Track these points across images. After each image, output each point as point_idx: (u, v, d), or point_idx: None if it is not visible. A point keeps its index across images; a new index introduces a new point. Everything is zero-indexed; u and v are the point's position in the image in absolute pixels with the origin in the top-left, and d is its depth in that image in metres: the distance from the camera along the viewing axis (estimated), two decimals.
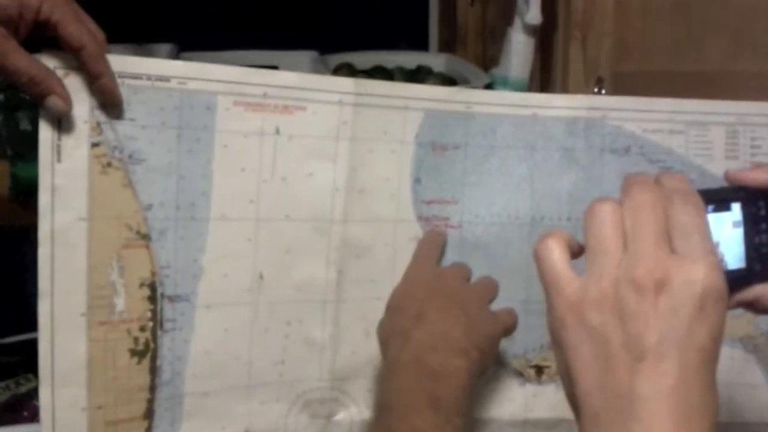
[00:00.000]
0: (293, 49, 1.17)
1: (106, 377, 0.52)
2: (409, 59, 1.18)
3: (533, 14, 0.86)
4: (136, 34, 1.06)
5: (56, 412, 0.50)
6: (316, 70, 1.14)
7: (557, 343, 0.35)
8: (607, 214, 0.35)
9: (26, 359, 0.91)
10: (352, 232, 0.59)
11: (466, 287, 0.57)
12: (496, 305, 0.57)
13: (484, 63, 1.14)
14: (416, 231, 0.61)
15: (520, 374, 0.62)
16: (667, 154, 0.59)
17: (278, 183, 0.56)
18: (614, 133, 0.60)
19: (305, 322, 0.59)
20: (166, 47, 1.04)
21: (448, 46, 1.26)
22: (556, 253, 0.36)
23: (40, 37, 0.49)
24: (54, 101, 0.48)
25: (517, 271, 0.61)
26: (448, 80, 1.12)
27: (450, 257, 0.61)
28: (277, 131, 0.56)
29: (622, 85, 0.83)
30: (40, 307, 0.50)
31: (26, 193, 0.86)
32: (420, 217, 0.60)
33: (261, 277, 0.57)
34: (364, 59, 1.16)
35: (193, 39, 1.09)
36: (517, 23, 0.88)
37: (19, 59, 0.47)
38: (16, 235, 1.05)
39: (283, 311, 0.58)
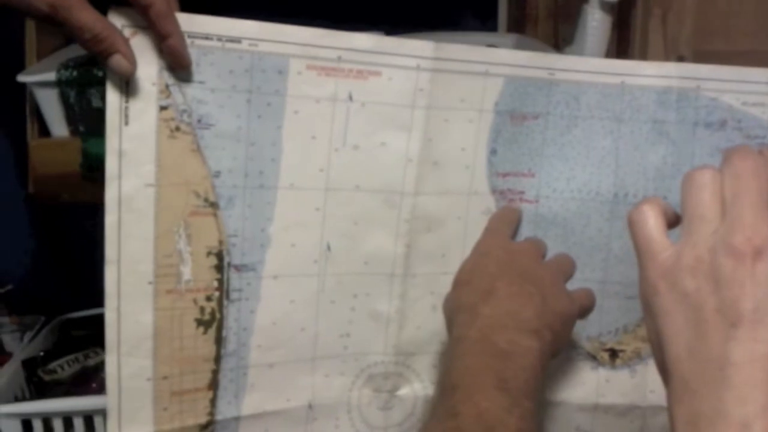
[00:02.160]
0: (360, 29, 1.13)
1: (172, 347, 0.51)
2: (477, 39, 1.13)
3: None
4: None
5: (122, 381, 0.49)
6: None
7: (649, 310, 0.35)
8: (706, 180, 0.34)
9: (94, 333, 0.92)
10: (424, 205, 0.56)
11: (541, 264, 0.54)
12: (572, 285, 0.55)
13: (555, 43, 1.09)
14: (490, 204, 0.58)
15: (593, 357, 0.59)
16: (767, 129, 0.55)
17: (349, 152, 0.54)
18: (710, 106, 0.55)
19: (372, 295, 0.57)
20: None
21: (517, 25, 1.21)
22: (652, 220, 0.36)
23: None
24: (118, 60, 0.46)
25: (596, 250, 0.57)
26: None
27: (524, 233, 0.58)
28: (350, 97, 0.53)
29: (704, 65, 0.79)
30: (106, 274, 0.49)
31: (97, 170, 0.86)
32: (494, 191, 0.57)
33: (328, 248, 0.55)
34: (432, 39, 1.12)
35: (258, 17, 1.07)
36: (593, 1, 0.83)
37: (85, 15, 0.44)
38: (86, 212, 1.05)
39: (349, 283, 0.56)
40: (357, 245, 0.56)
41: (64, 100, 0.82)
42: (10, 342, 0.96)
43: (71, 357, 0.85)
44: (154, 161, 0.49)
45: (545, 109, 0.56)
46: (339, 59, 0.52)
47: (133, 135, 0.48)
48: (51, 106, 0.82)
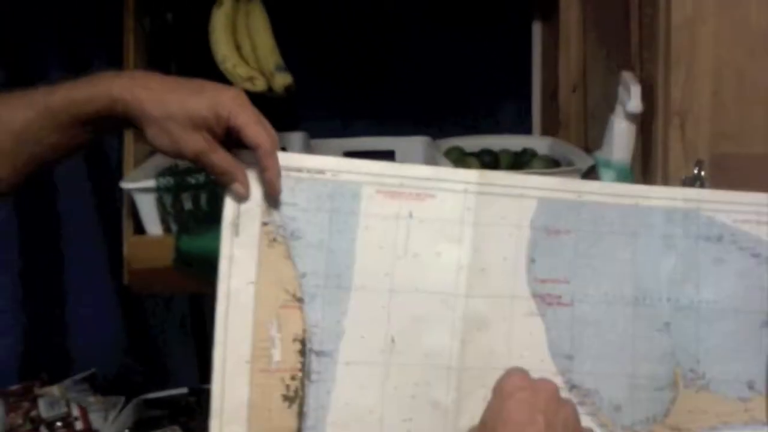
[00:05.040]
0: (410, 130, 1.30)
1: (262, 417, 0.62)
2: (514, 142, 1.27)
3: (634, 103, 0.93)
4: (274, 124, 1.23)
5: None
6: (428, 154, 1.26)
7: None
8: None
9: (170, 413, 1.05)
10: (474, 306, 0.67)
11: (563, 406, 0.58)
12: (609, 379, 0.63)
13: (585, 145, 1.20)
14: (531, 307, 0.68)
15: None
16: (756, 242, 0.65)
17: (410, 260, 0.66)
18: (708, 223, 0.66)
19: (431, 385, 0.67)
20: (299, 135, 1.20)
21: (550, 128, 1.34)
22: None
23: (230, 137, 0.62)
24: (237, 188, 0.61)
25: (623, 347, 0.66)
26: (553, 162, 1.19)
27: (562, 333, 0.67)
28: (411, 215, 0.66)
29: (721, 167, 0.89)
30: (214, 353, 0.62)
31: (188, 264, 1.01)
32: (534, 295, 0.68)
33: (393, 341, 0.66)
34: (472, 143, 1.26)
35: (320, 127, 1.25)
36: (619, 111, 0.96)
37: (218, 157, 0.61)
38: (160, 302, 1.21)
39: (411, 373, 0.66)
40: (418, 340, 0.66)
41: (160, 203, 0.99)
42: (96, 420, 1.08)
43: None
44: (256, 264, 0.63)
45: (575, 226, 0.68)
46: (401, 185, 0.66)
47: (241, 244, 0.63)
48: (147, 207, 0.99)
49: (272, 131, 0.63)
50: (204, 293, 1.14)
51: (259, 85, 1.14)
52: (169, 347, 1.19)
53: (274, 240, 0.63)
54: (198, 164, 0.61)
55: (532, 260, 0.68)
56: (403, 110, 1.33)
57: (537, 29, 1.38)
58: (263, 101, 1.12)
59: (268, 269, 0.63)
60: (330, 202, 0.65)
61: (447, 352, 0.67)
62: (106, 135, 0.64)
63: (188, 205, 1.01)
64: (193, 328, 1.21)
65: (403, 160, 1.26)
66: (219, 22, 1.14)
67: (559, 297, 0.68)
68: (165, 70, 1.20)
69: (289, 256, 0.64)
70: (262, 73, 1.15)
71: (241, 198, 0.62)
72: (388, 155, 1.29)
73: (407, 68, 1.33)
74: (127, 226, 1.01)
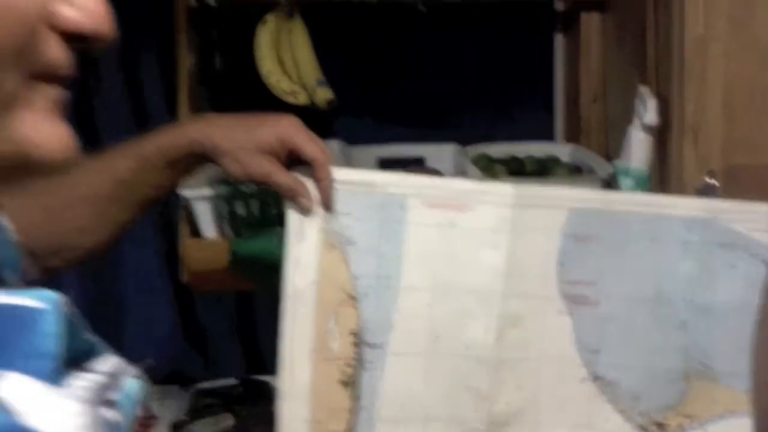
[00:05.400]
0: (437, 138, 1.38)
1: (323, 399, 0.71)
2: (538, 149, 1.34)
3: (650, 116, 1.01)
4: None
5: (289, 422, 0.69)
6: (457, 161, 1.33)
7: None
8: None
9: (222, 401, 1.14)
10: (509, 305, 0.75)
11: None
12: (628, 370, 0.71)
13: (606, 153, 1.27)
14: (561, 306, 0.76)
15: (644, 429, 0.74)
16: (767, 249, 0.72)
17: (451, 263, 0.74)
18: (724, 231, 0.73)
19: (470, 374, 0.75)
20: (335, 142, 1.29)
21: (572, 136, 1.41)
22: None
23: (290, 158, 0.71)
24: (302, 202, 0.70)
25: (643, 342, 0.74)
26: (575, 169, 1.26)
27: (589, 330, 0.75)
28: (452, 224, 0.74)
29: (733, 177, 0.96)
30: (282, 344, 0.70)
31: (242, 265, 1.10)
32: (564, 295, 0.76)
33: (436, 334, 0.74)
34: (498, 150, 1.33)
35: (356, 134, 1.33)
36: (636, 123, 1.03)
37: (283, 177, 0.70)
38: (217, 300, 1.30)
39: (452, 363, 0.75)
40: (459, 333, 0.75)
41: (216, 209, 1.08)
42: (154, 407, 1.17)
43: (208, 420, 1.05)
44: (316, 267, 0.71)
45: (602, 233, 0.75)
46: (443, 197, 0.74)
47: (305, 249, 0.71)
48: (204, 214, 1.08)
49: (325, 148, 0.72)
50: (254, 291, 1.23)
51: (301, 99, 1.24)
52: (219, 341, 1.28)
53: (332, 246, 0.72)
54: (266, 185, 0.71)
55: (562, 264, 0.75)
56: (432, 118, 1.41)
57: (559, 41, 1.46)
58: (303, 111, 1.22)
59: (327, 271, 0.71)
60: (380, 212, 0.73)
61: (484, 345, 0.75)
62: (192, 172, 0.74)
63: (240, 211, 1.09)
64: (240, 323, 1.31)
65: (433, 166, 1.34)
66: (264, 39, 1.23)
67: (587, 297, 0.75)
68: (214, 86, 1.30)
69: (344, 260, 0.72)
70: (304, 88, 1.24)
71: (306, 210, 0.70)
72: (419, 161, 1.37)
73: (437, 78, 1.41)
74: (183, 229, 1.10)
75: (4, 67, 0.34)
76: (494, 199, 0.75)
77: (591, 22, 1.38)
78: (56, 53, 0.36)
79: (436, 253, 0.74)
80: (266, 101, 1.22)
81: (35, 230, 0.48)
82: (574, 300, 0.76)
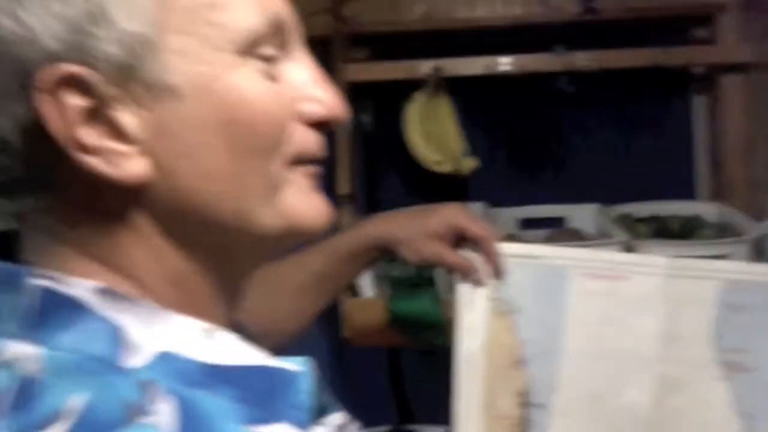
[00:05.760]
0: (580, 199, 1.41)
1: None
2: (681, 208, 1.35)
3: None
4: (455, 196, 1.40)
5: None
6: (599, 221, 1.37)
7: None
8: None
9: None
10: (667, 371, 0.79)
11: None
12: None
13: (753, 212, 1.26)
14: (717, 373, 0.79)
15: None
16: None
17: (611, 329, 0.80)
18: None
19: None
20: (478, 205, 1.37)
21: (716, 194, 1.41)
22: None
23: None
24: (475, 278, 0.78)
25: None
26: (721, 230, 1.26)
27: (744, 396, 0.78)
28: (610, 293, 0.80)
29: None
30: (456, 402, 0.78)
31: (399, 323, 1.19)
32: (720, 362, 0.79)
33: (597, 397, 0.80)
34: (640, 209, 1.36)
35: (498, 196, 1.40)
36: None
37: (453, 257, 0.79)
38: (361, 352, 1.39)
39: (611, 424, 0.80)
40: (618, 397, 0.80)
41: (374, 271, 1.17)
42: None
43: None
44: (485, 332, 0.79)
45: (754, 302, 0.79)
46: (602, 269, 0.80)
47: (474, 316, 0.79)
48: (364, 275, 1.17)
49: (489, 227, 0.81)
50: (408, 347, 1.32)
51: (446, 168, 1.34)
52: (371, 391, 1.37)
53: (500, 313, 0.79)
54: (439, 266, 0.80)
55: (717, 333, 0.79)
56: (573, 178, 1.46)
57: (698, 101, 1.48)
58: (447, 176, 1.32)
59: (496, 337, 0.79)
60: (544, 282, 0.80)
61: (644, 409, 0.79)
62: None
63: (397, 273, 1.19)
64: (392, 375, 1.39)
65: (574, 227, 1.39)
66: (412, 115, 1.35)
67: (743, 364, 0.79)
68: (371, 159, 1.42)
69: (511, 327, 0.79)
70: (449, 157, 1.34)
71: (478, 284, 0.79)
72: (559, 222, 1.42)
73: (577, 139, 1.46)
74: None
75: (268, 158, 0.45)
76: (649, 270, 0.80)
77: (731, 83, 1.40)
78: (306, 140, 0.47)
79: (596, 320, 0.80)
80: (412, 166, 1.32)
81: (254, 317, 0.58)
82: (730, 367, 0.79)
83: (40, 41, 0.39)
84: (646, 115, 1.47)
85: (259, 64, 0.44)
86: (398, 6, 1.40)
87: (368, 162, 1.45)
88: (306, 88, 0.46)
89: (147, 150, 0.41)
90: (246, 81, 0.43)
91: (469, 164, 1.32)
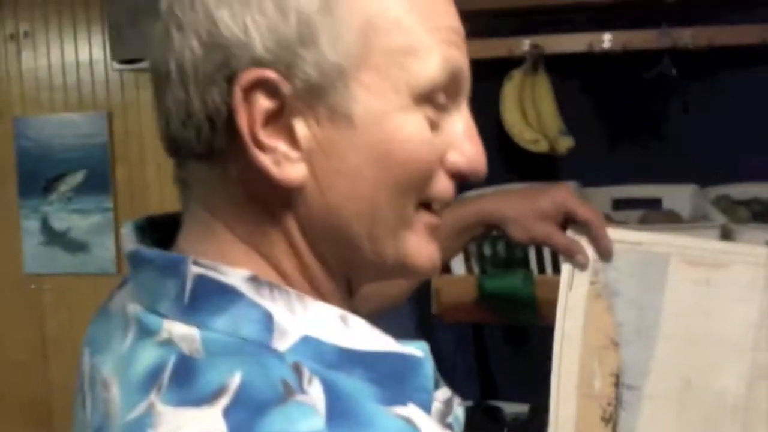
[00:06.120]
0: (675, 182, 1.39)
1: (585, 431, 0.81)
2: None
3: None
4: (549, 175, 1.40)
5: None
6: (696, 202, 1.34)
7: None
8: None
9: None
10: (760, 358, 0.80)
11: None
12: None
13: None
14: None
15: None
16: None
17: (706, 317, 0.81)
18: None
19: (719, 421, 0.81)
20: (571, 184, 1.36)
21: None
22: None
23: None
24: (580, 259, 0.80)
25: None
26: None
27: None
28: (708, 282, 0.81)
29: None
30: (553, 381, 0.81)
31: (488, 300, 1.22)
32: None
33: (689, 381, 0.81)
34: (739, 190, 1.32)
35: (590, 175, 1.40)
36: None
37: (561, 238, 0.81)
38: (469, 331, 1.43)
39: (703, 409, 0.81)
40: (710, 382, 0.81)
41: (465, 248, 1.20)
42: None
43: None
44: (584, 313, 0.81)
45: None
46: (702, 256, 0.81)
47: (573, 297, 0.82)
48: None
49: (597, 210, 0.82)
50: (497, 323, 1.35)
51: (542, 147, 1.34)
52: (456, 367, 1.41)
53: (599, 295, 0.82)
54: (547, 245, 0.82)
55: None
56: (670, 158, 1.44)
57: None
58: (541, 155, 1.32)
59: (593, 318, 0.81)
60: (644, 267, 0.82)
61: (735, 394, 0.81)
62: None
63: (488, 251, 1.22)
64: (477, 352, 1.43)
65: (671, 208, 1.38)
66: (509, 93, 1.35)
67: None
68: None
69: (609, 309, 0.82)
70: (545, 136, 1.34)
71: (582, 266, 0.81)
72: (655, 203, 1.41)
73: (673, 118, 1.44)
74: None
75: (407, 197, 0.49)
76: (749, 260, 0.81)
77: None
78: (443, 188, 0.51)
79: (692, 307, 0.81)
80: (505, 144, 1.34)
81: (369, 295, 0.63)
82: None
83: (253, 48, 0.44)
84: (744, 92, 1.43)
85: (429, 111, 0.48)
86: None
87: None
88: (458, 139, 0.50)
89: (308, 160, 0.46)
90: (412, 125, 0.47)
91: (566, 143, 1.33)
